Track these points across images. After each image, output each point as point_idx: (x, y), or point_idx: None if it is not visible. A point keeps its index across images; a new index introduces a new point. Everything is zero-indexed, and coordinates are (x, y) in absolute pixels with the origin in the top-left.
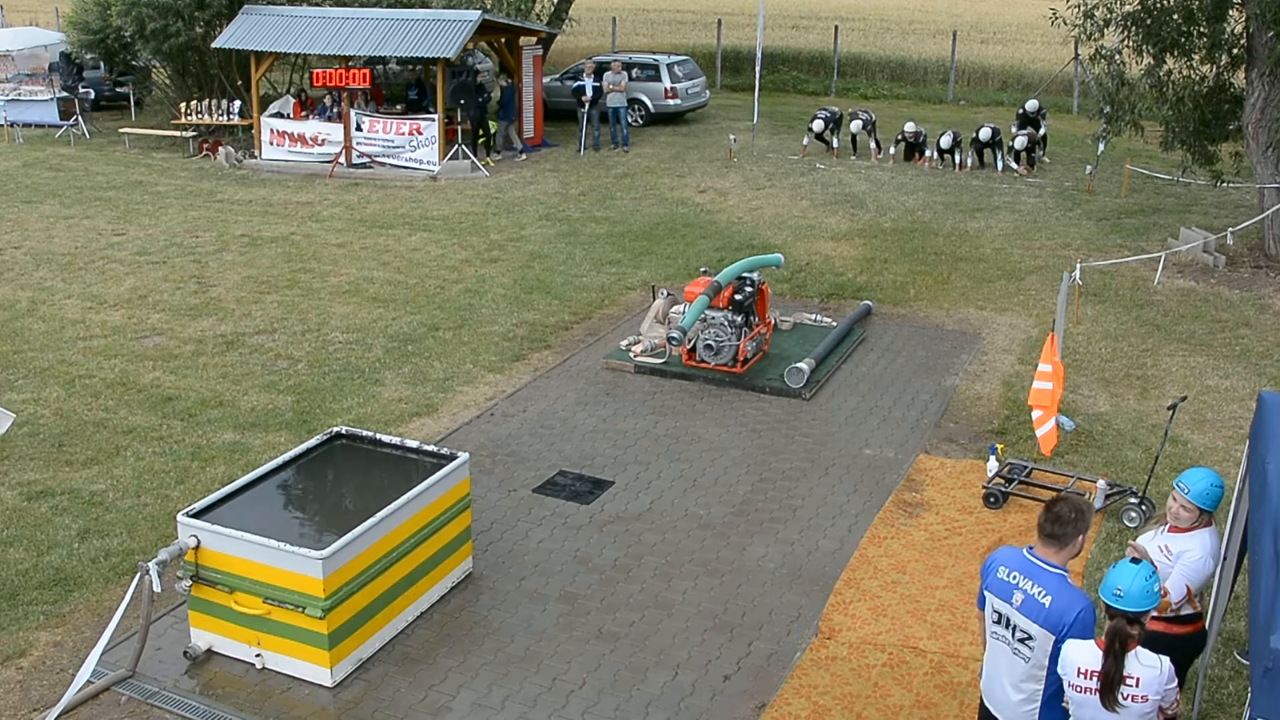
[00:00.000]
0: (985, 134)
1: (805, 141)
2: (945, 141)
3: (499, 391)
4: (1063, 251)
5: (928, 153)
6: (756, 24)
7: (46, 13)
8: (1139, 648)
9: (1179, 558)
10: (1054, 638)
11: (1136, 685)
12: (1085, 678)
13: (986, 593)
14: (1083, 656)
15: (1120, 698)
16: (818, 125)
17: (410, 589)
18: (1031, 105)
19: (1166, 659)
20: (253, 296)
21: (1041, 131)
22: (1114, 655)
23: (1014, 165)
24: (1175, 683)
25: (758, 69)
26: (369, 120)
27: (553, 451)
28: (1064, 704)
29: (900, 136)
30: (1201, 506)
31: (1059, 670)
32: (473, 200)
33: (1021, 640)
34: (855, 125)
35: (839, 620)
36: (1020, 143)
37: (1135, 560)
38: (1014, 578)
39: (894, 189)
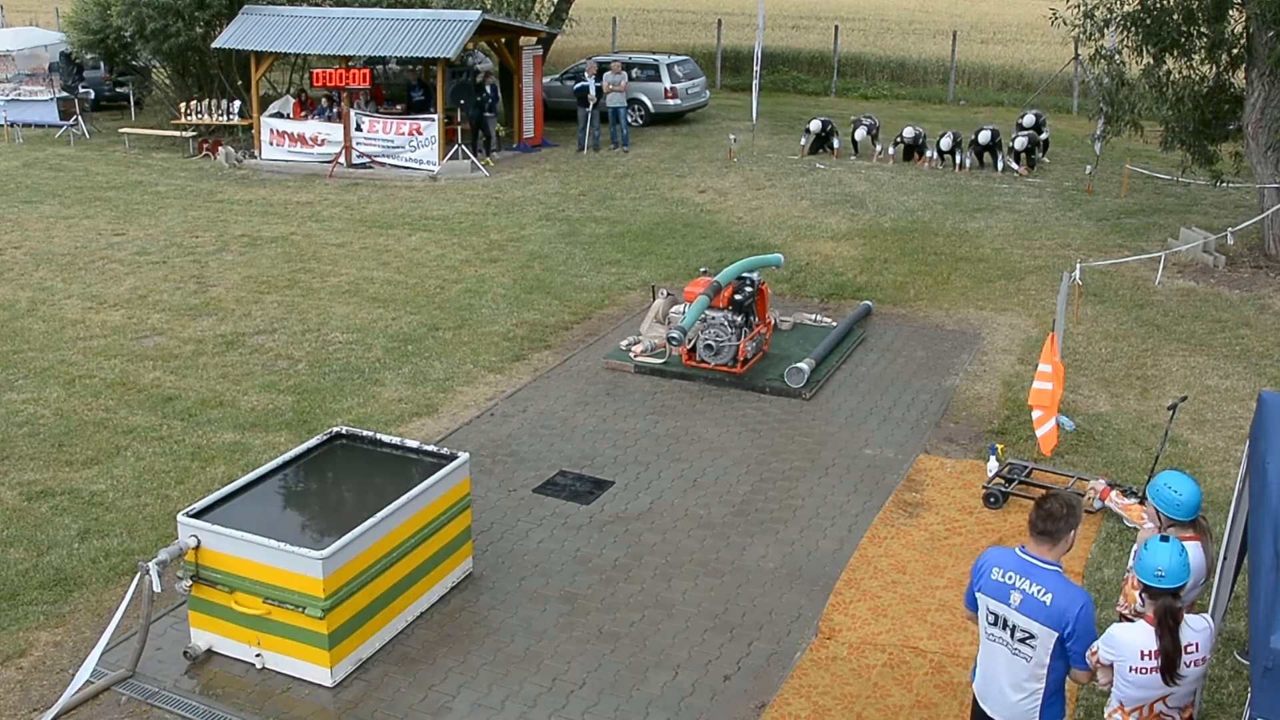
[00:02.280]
0: (985, 137)
1: (803, 142)
2: (945, 143)
3: (499, 391)
4: (1063, 251)
5: (928, 153)
6: (756, 24)
7: (46, 13)
8: (1186, 615)
9: None
10: (1057, 635)
11: (1196, 650)
12: (1149, 658)
13: (979, 594)
14: (1143, 639)
15: (1183, 665)
16: (815, 125)
17: (410, 589)
18: (1028, 120)
19: (1208, 615)
20: (253, 296)
21: (1044, 136)
22: (1169, 632)
23: (1014, 165)
24: (1215, 638)
25: (756, 68)
26: (369, 120)
27: (553, 451)
28: (1101, 685)
29: (899, 139)
30: (1159, 509)
31: (1108, 656)
32: (473, 200)
33: (1022, 640)
34: (860, 133)
35: (839, 620)
36: (1020, 143)
37: (1164, 538)
38: (1010, 578)
39: (894, 189)
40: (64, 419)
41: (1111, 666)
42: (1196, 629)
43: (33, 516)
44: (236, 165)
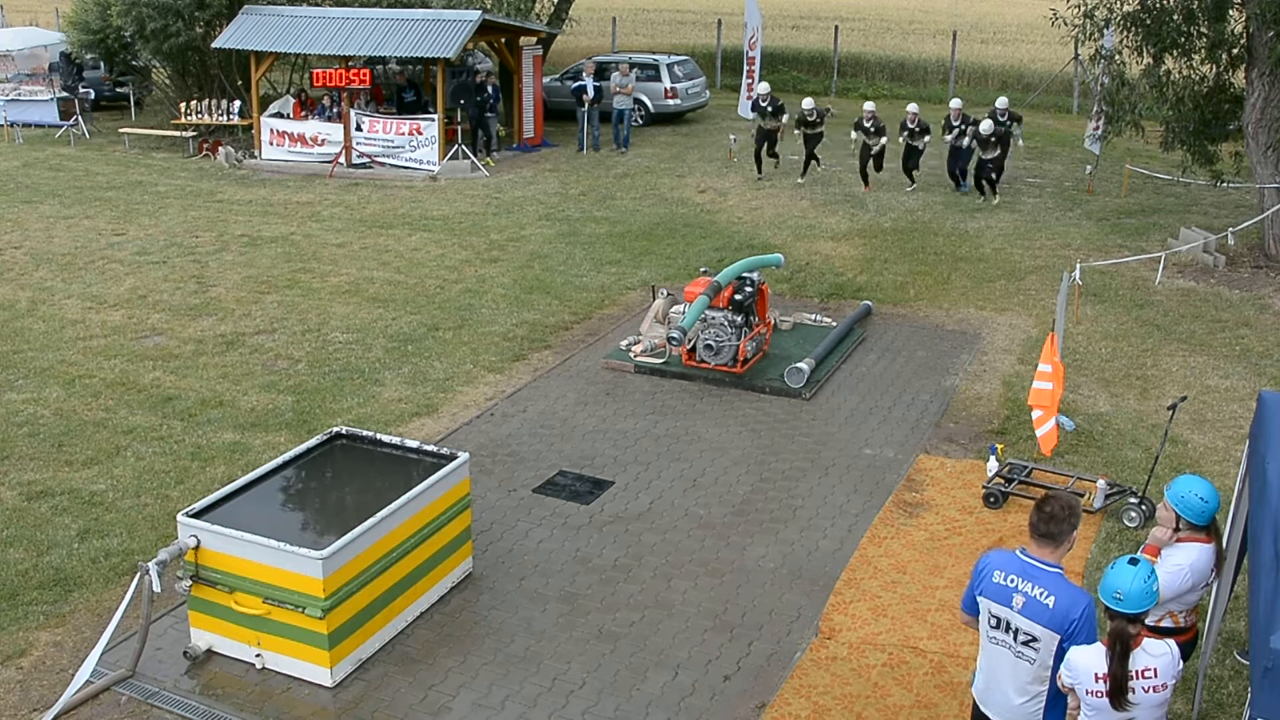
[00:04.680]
0: (987, 127)
1: (787, 120)
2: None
3: (499, 391)
4: (1063, 251)
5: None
6: (753, 26)
7: (46, 13)
8: (1145, 640)
9: (1163, 560)
10: (1059, 637)
11: (1155, 675)
12: (1102, 681)
13: (980, 598)
14: (1097, 662)
15: (1141, 690)
16: (807, 103)
17: (410, 589)
18: (985, 126)
19: (1172, 642)
20: (253, 296)
21: (1001, 153)
22: (1118, 657)
23: (980, 188)
24: (1181, 664)
25: (744, 70)
26: (369, 120)
27: (553, 451)
28: (1071, 710)
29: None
30: (1177, 511)
31: (1069, 680)
32: (473, 200)
33: (1025, 643)
34: (854, 134)
35: (839, 620)
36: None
37: (1133, 561)
38: (1011, 581)
39: (894, 189)
40: (64, 419)
41: (1074, 690)
42: (1155, 654)
43: (33, 516)
44: (236, 165)
